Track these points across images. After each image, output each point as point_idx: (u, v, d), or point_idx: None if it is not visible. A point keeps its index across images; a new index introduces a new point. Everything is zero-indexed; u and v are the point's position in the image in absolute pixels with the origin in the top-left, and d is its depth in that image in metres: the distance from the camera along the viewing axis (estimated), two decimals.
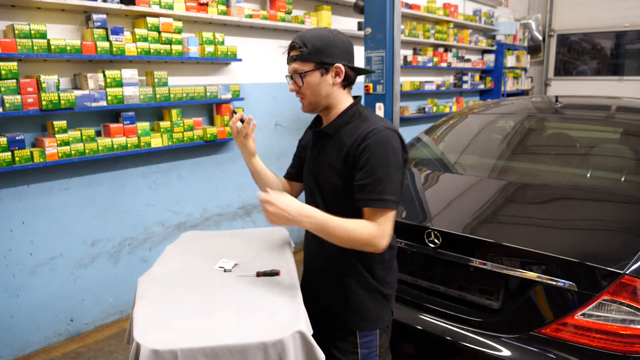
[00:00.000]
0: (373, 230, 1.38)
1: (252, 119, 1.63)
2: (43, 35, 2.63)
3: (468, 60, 6.61)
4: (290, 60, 1.48)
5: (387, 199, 1.38)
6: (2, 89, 2.50)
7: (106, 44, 2.89)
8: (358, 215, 1.44)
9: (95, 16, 2.84)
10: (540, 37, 8.53)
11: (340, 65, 1.47)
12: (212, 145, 3.81)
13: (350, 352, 1.57)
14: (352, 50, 1.52)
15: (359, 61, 4.14)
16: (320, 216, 1.39)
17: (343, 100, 1.54)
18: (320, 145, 1.56)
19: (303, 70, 1.46)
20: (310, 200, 1.62)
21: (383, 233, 1.39)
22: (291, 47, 1.48)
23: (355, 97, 1.58)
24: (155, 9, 3.10)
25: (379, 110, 3.77)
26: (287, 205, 1.37)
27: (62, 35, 2.86)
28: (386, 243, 1.41)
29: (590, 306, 1.60)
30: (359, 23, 4.64)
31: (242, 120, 1.62)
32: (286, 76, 1.54)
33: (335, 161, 1.49)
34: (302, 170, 1.71)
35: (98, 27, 2.86)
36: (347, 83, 1.52)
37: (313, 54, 1.44)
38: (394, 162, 1.41)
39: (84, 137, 2.87)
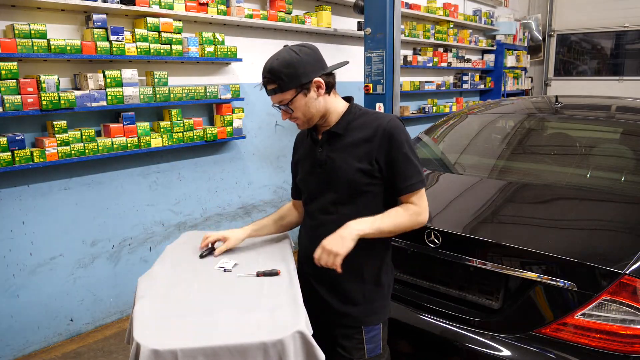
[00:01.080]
0: (416, 211, 1.52)
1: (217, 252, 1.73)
2: (43, 35, 2.63)
3: (468, 60, 6.61)
4: (270, 94, 1.51)
5: (422, 179, 1.54)
6: (2, 89, 2.50)
7: (106, 44, 2.89)
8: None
9: (95, 16, 2.84)
10: (540, 37, 8.52)
11: (317, 79, 1.49)
12: (212, 145, 3.81)
13: (356, 348, 1.59)
14: (321, 56, 1.55)
15: (359, 62, 4.14)
16: (370, 218, 1.48)
17: (334, 103, 1.58)
18: (330, 145, 1.58)
19: (286, 99, 1.49)
20: (318, 201, 1.63)
21: (424, 209, 1.55)
22: (265, 83, 1.50)
23: (347, 98, 1.64)
24: (155, 9, 3.10)
25: (379, 110, 3.77)
26: (331, 239, 1.44)
27: (62, 35, 2.86)
28: (427, 216, 1.56)
29: (590, 306, 1.60)
30: (359, 23, 4.64)
31: (213, 249, 1.76)
32: (273, 106, 1.56)
33: (355, 157, 1.53)
34: None
35: (98, 27, 2.86)
36: (330, 88, 1.56)
37: (288, 82, 1.46)
38: (412, 142, 1.56)
39: (84, 137, 2.87)
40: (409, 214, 1.52)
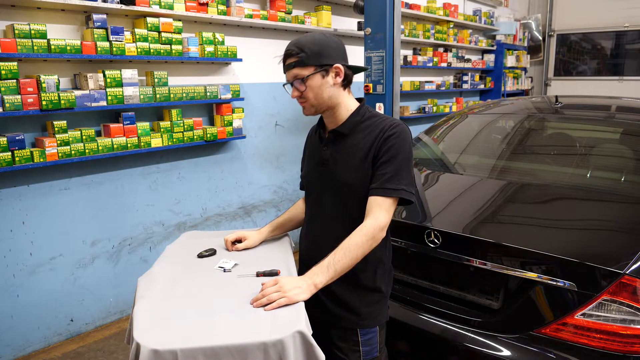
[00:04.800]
0: (370, 230, 1.43)
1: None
2: (43, 35, 2.63)
3: (468, 60, 6.61)
4: (289, 67, 1.48)
5: (401, 189, 1.45)
6: (2, 89, 2.50)
7: (106, 44, 2.89)
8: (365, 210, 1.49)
9: (95, 16, 2.84)
10: (540, 37, 8.52)
11: (339, 65, 1.49)
12: (212, 145, 3.81)
13: (352, 350, 1.58)
14: (345, 50, 1.55)
15: (359, 62, 4.15)
16: (326, 261, 1.41)
17: (345, 99, 1.57)
18: (335, 145, 1.58)
19: (304, 75, 1.46)
20: (316, 199, 1.63)
21: (380, 225, 1.45)
22: (287, 55, 1.48)
23: (360, 99, 1.62)
24: (155, 9, 3.10)
25: (379, 110, 3.77)
26: (290, 280, 1.39)
27: (62, 35, 2.86)
28: (384, 232, 1.48)
29: (590, 306, 1.60)
30: (359, 23, 4.63)
31: (214, 250, 1.75)
32: (284, 85, 1.55)
33: (355, 159, 1.51)
34: None
35: (98, 27, 2.86)
36: (347, 82, 1.55)
37: (312, 57, 1.45)
38: (411, 156, 1.50)
39: (84, 137, 2.87)
40: (363, 240, 1.42)
